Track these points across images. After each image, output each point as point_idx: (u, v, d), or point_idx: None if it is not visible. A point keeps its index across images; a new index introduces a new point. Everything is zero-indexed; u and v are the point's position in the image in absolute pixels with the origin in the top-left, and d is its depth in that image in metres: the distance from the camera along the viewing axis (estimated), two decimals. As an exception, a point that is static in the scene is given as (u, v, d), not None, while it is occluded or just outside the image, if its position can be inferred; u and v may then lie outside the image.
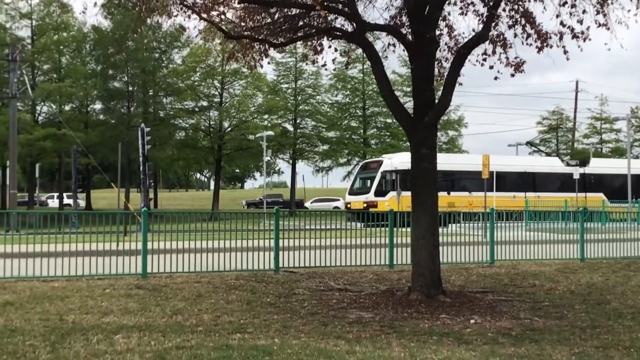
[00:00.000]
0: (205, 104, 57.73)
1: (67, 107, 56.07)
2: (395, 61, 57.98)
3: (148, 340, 8.12)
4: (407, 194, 38.19)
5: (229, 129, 57.36)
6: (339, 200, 65.71)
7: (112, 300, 11.26)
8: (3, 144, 45.61)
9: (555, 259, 18.81)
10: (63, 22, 54.99)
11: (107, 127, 53.58)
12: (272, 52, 13.47)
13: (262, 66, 13.13)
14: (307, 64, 27.93)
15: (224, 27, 12.17)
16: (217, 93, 57.67)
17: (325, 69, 14.40)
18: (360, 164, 45.87)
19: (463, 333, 8.87)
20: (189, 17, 11.67)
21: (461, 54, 11.77)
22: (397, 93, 47.83)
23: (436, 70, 12.35)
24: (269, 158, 52.03)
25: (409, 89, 53.34)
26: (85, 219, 18.98)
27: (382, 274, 15.38)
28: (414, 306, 10.76)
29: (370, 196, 38.99)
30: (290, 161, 62.54)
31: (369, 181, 40.42)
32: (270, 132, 49.44)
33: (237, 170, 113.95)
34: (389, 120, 57.36)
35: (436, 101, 11.92)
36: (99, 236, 15.59)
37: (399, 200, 36.55)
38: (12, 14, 53.76)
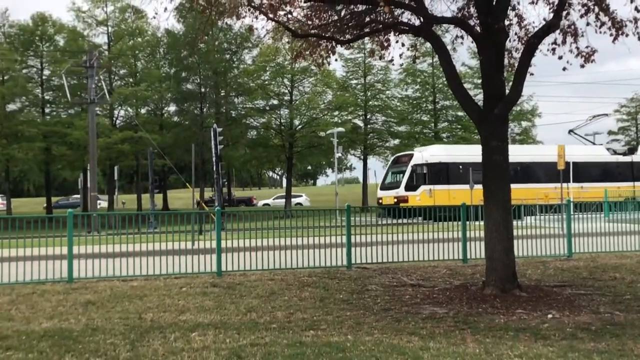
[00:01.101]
0: (275, 102, 58.22)
1: (142, 110, 57.44)
2: (465, 53, 57.27)
3: (223, 337, 8.23)
4: (440, 188, 38.05)
5: (300, 126, 57.68)
6: (301, 196, 65.09)
7: (188, 298, 11.47)
8: (83, 148, 47.25)
9: (636, 251, 18.20)
10: (137, 28, 56.44)
11: (181, 129, 54.63)
12: (339, 48, 13.45)
13: (329, 63, 13.12)
14: (375, 59, 27.76)
15: (291, 27, 12.22)
16: (287, 91, 58.06)
17: (392, 64, 14.39)
18: (392, 157, 45.09)
19: (540, 328, 8.68)
20: (257, 17, 11.76)
21: (531, 43, 11.50)
22: (467, 85, 47.29)
23: (506, 60, 12.10)
24: (340, 154, 52.01)
25: (479, 81, 52.34)
26: (162, 219, 19.38)
27: (456, 269, 15.19)
28: (489, 301, 10.58)
29: (401, 191, 38.02)
30: (362, 157, 62.44)
31: (399, 175, 39.37)
32: (341, 129, 49.44)
33: (309, 168, 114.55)
34: (460, 114, 56.57)
35: (506, 92, 11.68)
36: (175, 236, 15.88)
37: (431, 195, 35.93)
38: (89, 21, 55.52)
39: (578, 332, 8.42)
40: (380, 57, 13.10)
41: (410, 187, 37.78)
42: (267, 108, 58.13)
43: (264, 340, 8.05)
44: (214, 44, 53.88)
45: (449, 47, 12.44)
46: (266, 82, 57.05)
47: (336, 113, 58.25)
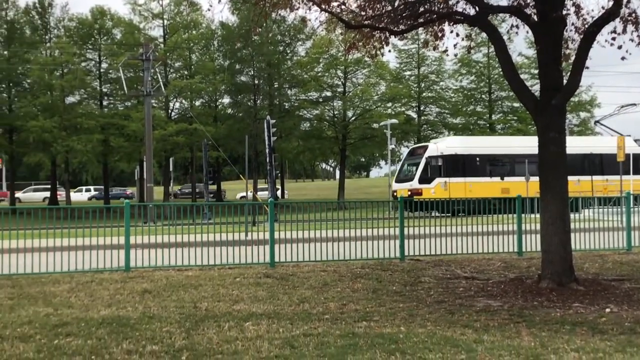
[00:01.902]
0: (329, 94, 58.30)
1: (197, 103, 58.17)
2: (521, 43, 56.23)
3: (277, 327, 8.31)
4: (455, 181, 37.40)
5: (353, 118, 57.65)
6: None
7: (242, 288, 11.60)
8: (139, 140, 48.15)
9: (699, 245, 17.71)
10: (192, 21, 57.16)
11: (234, 121, 55.16)
12: (393, 39, 13.37)
13: (383, 54, 13.04)
14: (429, 50, 27.52)
15: (344, 18, 12.20)
16: (340, 83, 58.08)
17: (447, 55, 14.23)
18: (408, 149, 44.47)
19: (597, 322, 8.52)
20: (310, 9, 11.79)
21: (590, 32, 11.25)
22: (524, 76, 46.44)
23: (563, 50, 11.86)
24: (393, 146, 51.77)
25: (535, 72, 51.51)
26: (216, 210, 19.59)
27: (511, 262, 15.01)
28: (545, 295, 10.43)
29: (415, 183, 37.29)
30: (415, 149, 62.03)
31: (414, 168, 38.61)
32: (394, 120, 49.23)
33: (362, 159, 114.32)
34: (515, 105, 55.69)
35: (564, 83, 11.46)
36: (229, 227, 16.04)
37: (446, 188, 35.31)
38: (145, 14, 56.43)
39: (637, 326, 8.24)
40: (434, 48, 12.98)
41: (425, 179, 37.08)
42: (321, 100, 58.25)
43: (316, 330, 8.10)
44: (268, 36, 54.20)
45: (504, 37, 12.26)
46: (319, 74, 57.16)
47: (389, 105, 58.03)
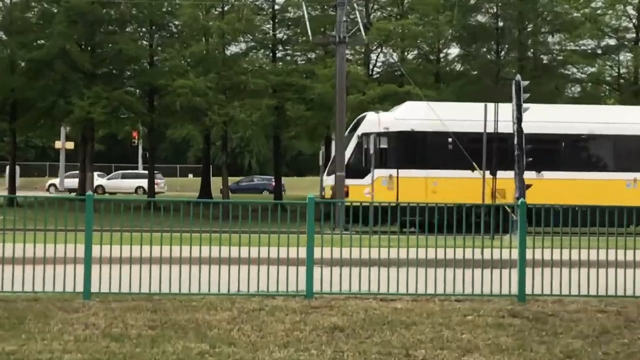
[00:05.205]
0: (612, 42, 56.49)
1: (410, 56, 58.27)
2: None
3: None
4: (410, 174, 33.73)
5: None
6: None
7: (476, 331, 11.60)
8: (327, 108, 48.39)
9: None
10: None
11: (466, 81, 54.69)
12: None
13: None
14: None
15: None
16: (631, 25, 56.12)
17: None
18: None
19: None
20: None
21: None
22: None
23: None
24: None
25: None
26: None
27: None
28: None
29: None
30: None
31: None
32: None
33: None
34: None
35: None
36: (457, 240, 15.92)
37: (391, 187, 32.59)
38: None
39: None
40: None
41: (355, 171, 34.55)
42: (599, 51, 56.57)
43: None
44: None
45: None
46: (598, 12, 55.44)
47: None
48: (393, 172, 34.60)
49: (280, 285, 14.85)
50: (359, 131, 35.90)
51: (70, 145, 71.53)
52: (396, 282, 14.81)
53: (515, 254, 15.21)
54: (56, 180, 73.97)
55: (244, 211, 15.60)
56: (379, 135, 34.83)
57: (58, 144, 72.08)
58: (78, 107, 48.92)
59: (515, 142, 30.26)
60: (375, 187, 33.83)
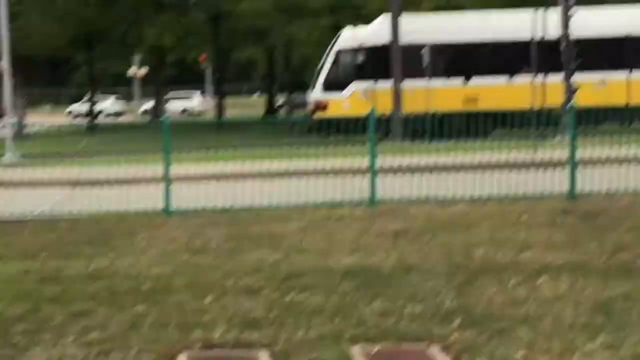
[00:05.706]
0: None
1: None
2: None
3: (582, 285, 8.28)
4: (386, 85, 32.45)
5: None
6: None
7: (531, 230, 11.60)
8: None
9: None
10: None
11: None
12: None
13: None
14: None
15: None
16: None
17: None
18: None
19: None
20: None
21: None
22: None
23: None
24: None
25: None
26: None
27: None
28: None
29: (317, 92, 34.27)
30: None
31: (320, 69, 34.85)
32: None
33: None
34: None
35: None
36: (510, 144, 16.01)
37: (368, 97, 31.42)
38: None
39: None
40: None
41: (333, 84, 33.84)
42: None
43: (640, 291, 7.99)
44: None
45: None
46: None
47: None
48: (369, 84, 34.02)
49: (345, 194, 14.95)
50: (336, 48, 35.09)
51: (142, 72, 71.79)
52: (454, 187, 14.87)
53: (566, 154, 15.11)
54: (147, 106, 74.40)
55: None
56: (355, 50, 34.72)
57: (132, 71, 72.32)
58: (149, 34, 49.17)
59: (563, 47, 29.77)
60: (350, 100, 33.22)
